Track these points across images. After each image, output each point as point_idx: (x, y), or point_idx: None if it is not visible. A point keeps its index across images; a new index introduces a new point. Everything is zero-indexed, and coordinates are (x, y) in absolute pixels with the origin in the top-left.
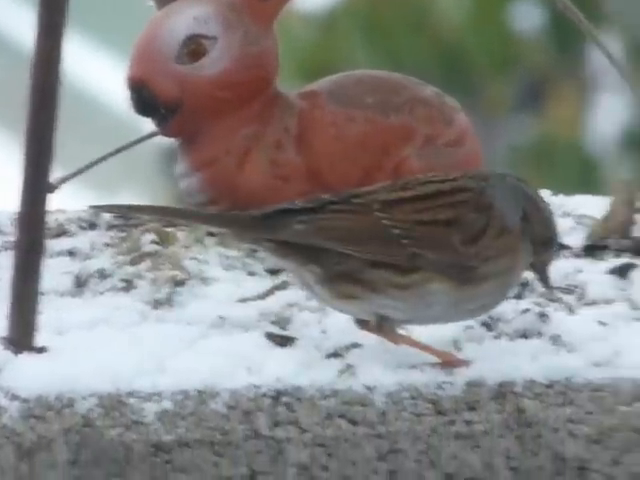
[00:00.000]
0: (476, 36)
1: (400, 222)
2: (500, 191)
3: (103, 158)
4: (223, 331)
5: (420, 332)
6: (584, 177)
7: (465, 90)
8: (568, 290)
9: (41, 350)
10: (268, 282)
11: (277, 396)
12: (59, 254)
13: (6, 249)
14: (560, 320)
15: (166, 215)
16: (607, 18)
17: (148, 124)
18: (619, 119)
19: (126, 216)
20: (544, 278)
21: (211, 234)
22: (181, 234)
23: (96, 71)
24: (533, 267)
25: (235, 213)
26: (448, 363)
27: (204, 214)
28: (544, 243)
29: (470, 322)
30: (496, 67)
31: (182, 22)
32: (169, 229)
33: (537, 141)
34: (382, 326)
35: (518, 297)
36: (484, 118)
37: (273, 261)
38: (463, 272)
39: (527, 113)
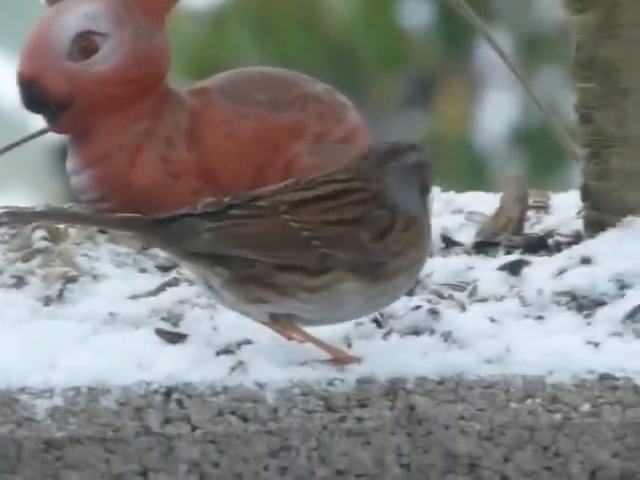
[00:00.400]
0: (365, 33)
1: (308, 223)
2: (397, 183)
3: None
4: (114, 328)
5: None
6: (474, 174)
7: (355, 87)
8: (459, 287)
9: None
10: (159, 279)
11: (168, 393)
12: None
13: None
14: (451, 317)
15: (71, 221)
16: (496, 14)
17: (39, 121)
18: (508, 116)
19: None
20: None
21: (102, 231)
22: (72, 231)
23: None
24: None
25: (140, 217)
26: (339, 360)
27: (110, 218)
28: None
29: (361, 319)
30: (386, 64)
31: (73, 19)
32: (60, 226)
33: (427, 138)
34: (278, 320)
35: (409, 294)
36: (374, 115)
37: (180, 264)
38: (374, 269)
39: (417, 109)
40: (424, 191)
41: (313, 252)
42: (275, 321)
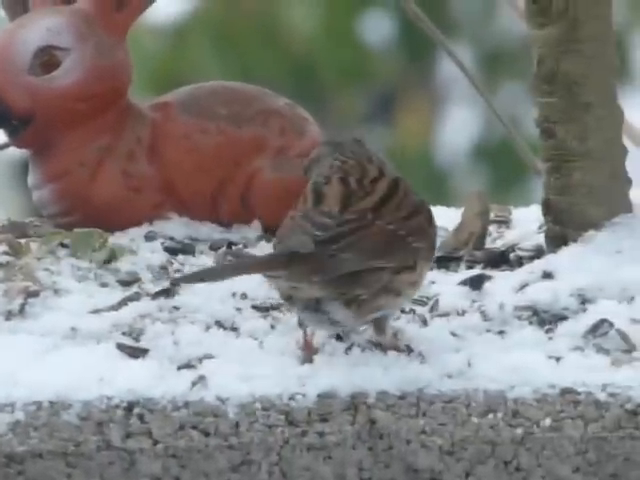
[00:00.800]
0: (326, 47)
1: (396, 223)
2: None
3: None
4: (75, 342)
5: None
6: (435, 188)
7: (316, 101)
8: (421, 301)
9: None
10: (120, 293)
11: (129, 407)
12: None
13: None
14: (413, 331)
15: (232, 274)
16: (457, 28)
17: (0, 135)
18: (469, 130)
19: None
20: None
21: (63, 245)
22: (34, 245)
23: None
24: None
25: (277, 256)
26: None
27: (261, 260)
28: None
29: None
30: (347, 78)
31: (35, 33)
32: (22, 240)
33: (388, 152)
34: (380, 325)
35: None
36: (335, 129)
37: (309, 293)
38: (432, 253)
39: (378, 124)
40: None
41: (410, 248)
42: (377, 327)
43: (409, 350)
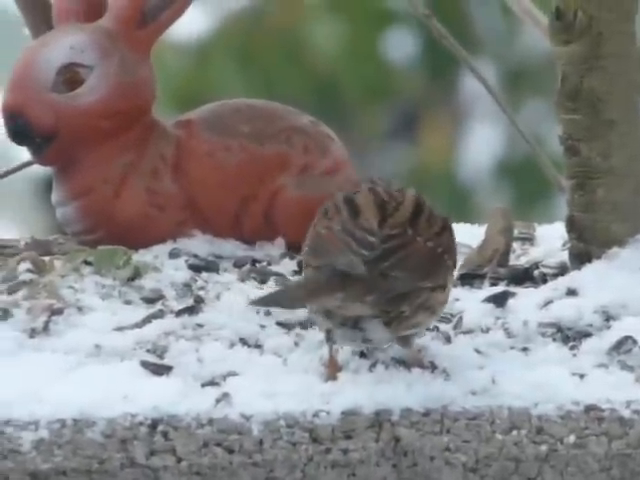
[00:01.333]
0: (350, 65)
1: (432, 239)
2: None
3: None
4: (99, 360)
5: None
6: (458, 206)
7: (339, 119)
8: (444, 318)
9: None
10: (144, 311)
11: (153, 425)
12: None
13: None
14: (437, 348)
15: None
16: (480, 46)
17: (24, 152)
18: (492, 147)
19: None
20: None
21: (87, 262)
22: (57, 263)
23: None
24: None
25: (336, 277)
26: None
27: (319, 285)
28: None
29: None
30: (370, 96)
31: (58, 50)
32: (45, 258)
33: (411, 170)
34: (407, 341)
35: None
36: (359, 147)
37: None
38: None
39: (401, 142)
40: None
41: (445, 266)
42: (404, 342)
43: (433, 367)
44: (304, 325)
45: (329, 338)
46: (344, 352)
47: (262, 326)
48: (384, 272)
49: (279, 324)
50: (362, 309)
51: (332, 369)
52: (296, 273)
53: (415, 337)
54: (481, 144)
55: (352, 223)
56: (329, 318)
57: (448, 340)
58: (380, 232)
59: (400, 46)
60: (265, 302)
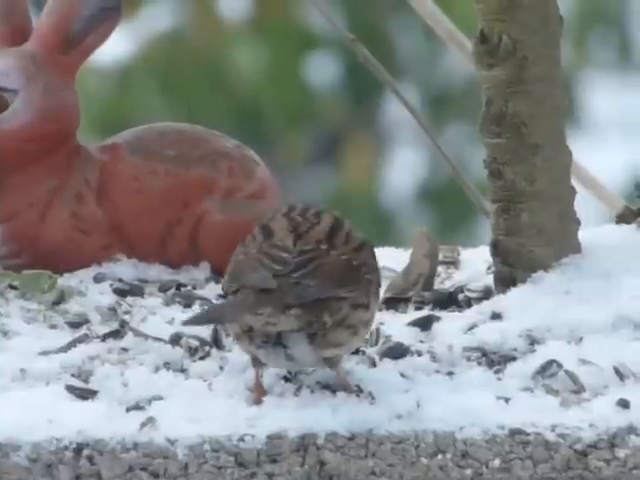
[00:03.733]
0: (272, 90)
1: (348, 254)
2: None
3: None
4: (24, 384)
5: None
6: (381, 230)
7: (262, 143)
8: (369, 342)
9: None
10: (69, 335)
11: (79, 449)
12: None
13: None
14: (362, 372)
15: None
16: (402, 71)
17: None
18: (415, 171)
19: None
20: None
21: (12, 287)
22: None
23: None
24: None
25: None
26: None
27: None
28: None
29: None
30: (292, 120)
31: None
32: None
33: (334, 193)
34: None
35: None
36: (281, 171)
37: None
38: (379, 289)
39: (324, 166)
40: None
41: (364, 280)
42: (331, 363)
43: (359, 390)
44: (229, 348)
45: (255, 361)
46: (269, 376)
47: (187, 350)
48: (296, 282)
49: (203, 348)
50: (286, 321)
51: (258, 393)
52: (221, 297)
53: (340, 359)
54: (404, 168)
55: (266, 244)
56: (251, 339)
57: (373, 364)
58: (294, 249)
59: (323, 70)
60: (197, 321)
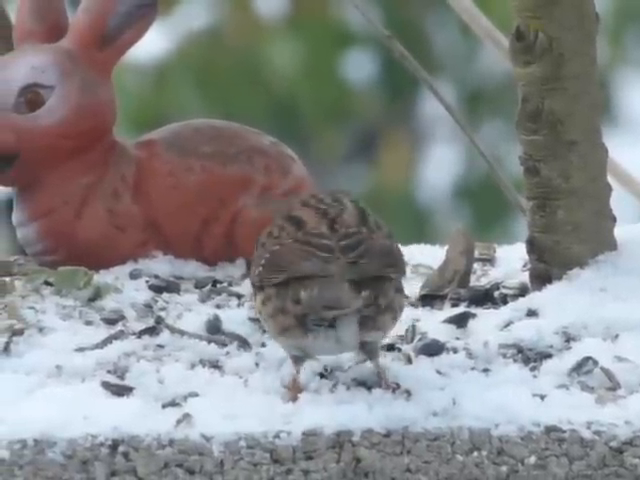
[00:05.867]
0: (308, 86)
1: (385, 238)
2: None
3: None
4: (60, 380)
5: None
6: (417, 227)
7: (298, 140)
8: (406, 338)
9: None
10: (105, 331)
11: (114, 445)
12: None
13: None
14: (398, 369)
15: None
16: (439, 68)
17: None
18: (451, 168)
19: None
20: None
21: (48, 283)
22: (18, 283)
23: None
24: None
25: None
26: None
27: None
28: None
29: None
30: (329, 117)
31: (19, 71)
32: (6, 278)
33: (370, 190)
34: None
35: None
36: (318, 167)
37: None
38: None
39: (360, 163)
40: None
41: (403, 262)
42: (370, 352)
43: (396, 386)
44: (264, 344)
45: (295, 359)
46: (305, 372)
47: (223, 346)
48: (353, 262)
49: (240, 345)
50: (355, 302)
51: (295, 390)
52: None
53: (378, 349)
54: (440, 165)
55: (302, 233)
56: (303, 324)
57: (409, 361)
58: (332, 234)
59: (359, 67)
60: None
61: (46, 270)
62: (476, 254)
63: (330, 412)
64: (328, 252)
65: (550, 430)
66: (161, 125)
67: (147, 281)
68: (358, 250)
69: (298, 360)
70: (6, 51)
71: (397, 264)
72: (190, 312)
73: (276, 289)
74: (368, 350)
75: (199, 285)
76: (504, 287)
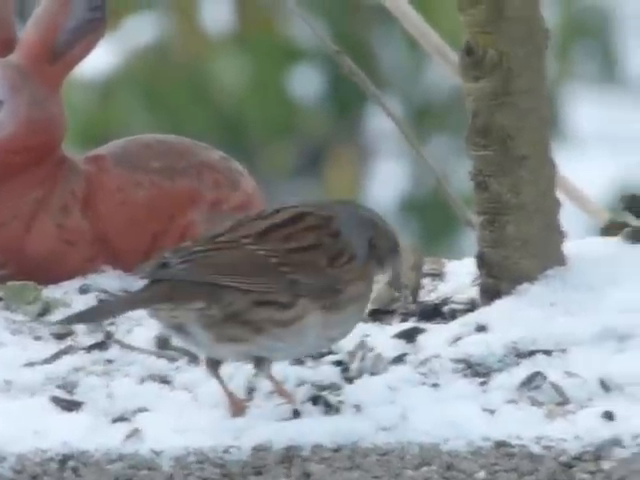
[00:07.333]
0: (256, 102)
1: (274, 251)
2: (347, 220)
3: None
4: (9, 395)
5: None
6: None
7: (245, 156)
8: (355, 354)
9: None
10: (54, 346)
11: (64, 460)
12: None
13: None
14: (348, 384)
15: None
16: (386, 83)
17: None
18: (398, 184)
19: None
20: (397, 284)
21: None
22: None
23: None
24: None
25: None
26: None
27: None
28: (391, 256)
29: (255, 387)
30: (276, 132)
31: None
32: None
33: None
34: (260, 365)
35: (303, 363)
36: (265, 183)
37: (162, 312)
38: (332, 296)
39: (307, 177)
40: (373, 250)
41: (282, 278)
42: (259, 367)
43: (292, 400)
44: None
45: (213, 372)
46: (259, 388)
47: (172, 360)
48: (166, 265)
49: (189, 359)
50: (184, 315)
51: (234, 405)
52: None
53: (267, 363)
54: (387, 180)
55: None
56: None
57: (359, 375)
58: (208, 240)
59: (306, 82)
60: (76, 319)
61: None
62: (425, 269)
63: (280, 427)
64: (176, 254)
65: (499, 445)
66: (108, 140)
67: (96, 296)
68: (190, 257)
69: (214, 372)
70: None
71: (249, 276)
72: (140, 327)
73: None
74: (255, 364)
75: None
76: (453, 302)
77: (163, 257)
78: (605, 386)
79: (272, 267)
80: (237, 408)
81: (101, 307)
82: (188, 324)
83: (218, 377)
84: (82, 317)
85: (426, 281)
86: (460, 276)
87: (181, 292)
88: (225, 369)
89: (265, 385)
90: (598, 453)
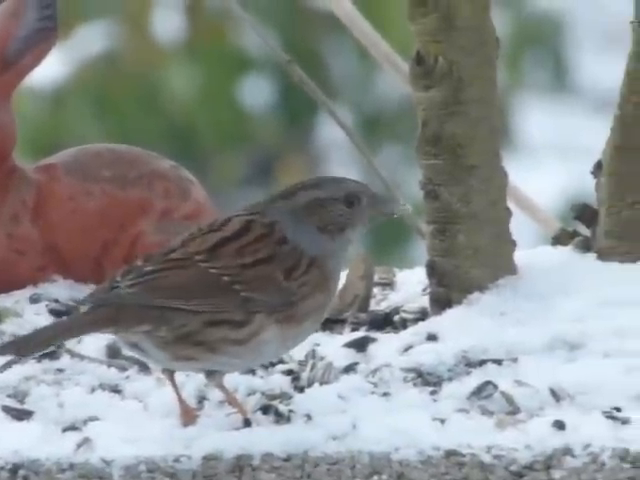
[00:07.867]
0: (206, 111)
1: (227, 268)
2: (288, 220)
3: None
4: None
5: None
6: None
7: (196, 165)
8: (305, 363)
9: None
10: (5, 356)
11: (14, 469)
12: None
13: None
14: (298, 393)
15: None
16: (336, 92)
17: None
18: None
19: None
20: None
21: None
22: None
23: None
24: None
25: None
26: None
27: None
28: (364, 208)
29: (206, 396)
30: (226, 141)
31: None
32: None
33: None
34: (212, 376)
35: (254, 372)
36: (216, 192)
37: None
38: (288, 310)
39: (258, 186)
40: (332, 230)
41: (235, 296)
42: (210, 378)
43: (240, 410)
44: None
45: (169, 377)
46: (209, 397)
47: (122, 370)
48: (124, 292)
49: (140, 368)
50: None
51: (185, 414)
52: None
53: (219, 375)
54: None
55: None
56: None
57: (310, 385)
58: (160, 258)
59: (257, 92)
60: (7, 349)
61: None
62: (376, 278)
63: (230, 436)
64: (127, 275)
65: (450, 454)
66: (59, 149)
67: (47, 305)
68: (141, 279)
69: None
70: None
71: (201, 297)
72: (90, 336)
73: None
74: (207, 376)
75: None
76: (404, 311)
77: (114, 280)
78: (556, 395)
79: (224, 286)
80: (188, 417)
81: (39, 335)
82: (141, 343)
83: (173, 383)
84: (17, 348)
85: (377, 290)
86: (411, 285)
87: (127, 315)
88: (177, 377)
89: (216, 394)
90: (549, 462)
